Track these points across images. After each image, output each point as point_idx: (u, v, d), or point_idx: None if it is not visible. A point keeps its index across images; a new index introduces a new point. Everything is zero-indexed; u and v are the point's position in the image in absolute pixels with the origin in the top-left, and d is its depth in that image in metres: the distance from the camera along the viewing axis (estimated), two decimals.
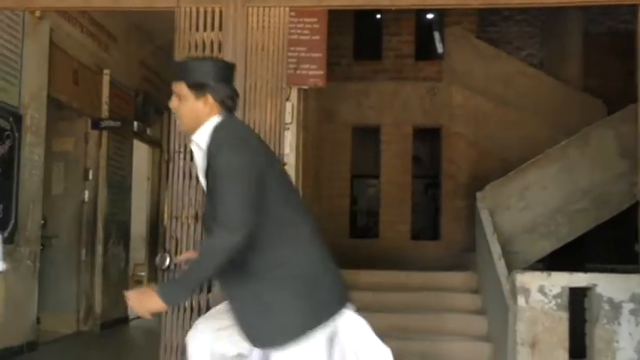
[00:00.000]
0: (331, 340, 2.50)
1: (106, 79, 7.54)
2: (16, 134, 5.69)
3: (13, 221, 5.68)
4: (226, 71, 2.56)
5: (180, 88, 2.45)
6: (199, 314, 3.31)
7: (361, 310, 6.96)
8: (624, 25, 9.45)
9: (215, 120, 2.47)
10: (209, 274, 2.39)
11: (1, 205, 5.48)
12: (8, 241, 5.62)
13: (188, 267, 2.38)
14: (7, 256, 5.60)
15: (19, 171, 5.74)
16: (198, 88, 2.43)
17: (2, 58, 5.48)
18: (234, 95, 2.52)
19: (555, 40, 9.53)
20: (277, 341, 2.40)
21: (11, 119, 5.61)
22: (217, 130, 2.45)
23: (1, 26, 5.44)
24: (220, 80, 2.48)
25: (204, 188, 2.49)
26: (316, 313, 2.45)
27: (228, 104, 2.49)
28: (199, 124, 2.46)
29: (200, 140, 2.46)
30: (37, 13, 5.85)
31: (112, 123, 7.42)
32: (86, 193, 7.33)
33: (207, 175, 2.45)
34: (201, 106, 2.45)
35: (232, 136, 2.45)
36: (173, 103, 2.51)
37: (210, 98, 2.45)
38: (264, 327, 2.40)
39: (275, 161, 2.64)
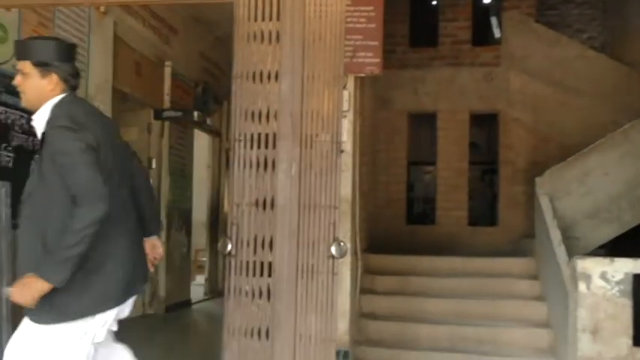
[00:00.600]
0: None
1: (167, 70, 7.71)
2: None
3: None
4: (69, 51, 2.71)
5: (25, 66, 2.60)
6: (260, 297, 3.38)
7: (419, 295, 6.97)
8: None
9: (56, 99, 2.62)
10: (80, 249, 2.47)
11: None
12: None
13: (60, 244, 2.48)
14: None
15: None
16: (43, 66, 2.59)
17: None
18: (76, 74, 2.69)
19: (617, 21, 9.23)
20: (38, 318, 2.56)
21: None
22: (55, 109, 2.60)
23: (69, 22, 5.64)
24: (64, 59, 2.64)
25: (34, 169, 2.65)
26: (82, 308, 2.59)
27: (72, 83, 2.67)
28: (43, 101, 2.62)
29: (39, 118, 2.61)
30: (102, 9, 6.03)
31: (173, 113, 7.59)
32: (150, 180, 7.52)
33: (40, 152, 2.59)
34: (46, 84, 2.61)
35: (68, 115, 2.58)
36: (17, 80, 2.64)
37: (54, 77, 2.61)
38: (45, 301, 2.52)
39: (110, 137, 2.75)
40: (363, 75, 5.47)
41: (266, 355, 3.34)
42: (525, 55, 8.71)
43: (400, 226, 8.79)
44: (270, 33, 3.41)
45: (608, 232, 6.77)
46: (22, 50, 2.65)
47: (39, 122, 2.62)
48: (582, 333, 5.07)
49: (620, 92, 8.26)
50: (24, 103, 2.68)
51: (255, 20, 3.43)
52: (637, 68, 8.65)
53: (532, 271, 6.68)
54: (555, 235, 5.79)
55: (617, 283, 5.04)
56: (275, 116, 3.37)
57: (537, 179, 6.71)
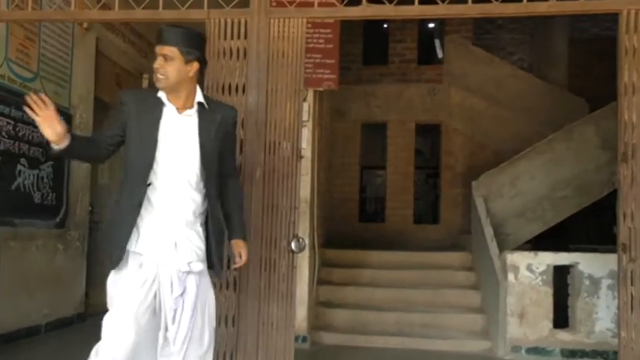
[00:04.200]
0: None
1: (145, 82, 7.58)
2: None
3: (64, 208, 5.75)
4: (205, 43, 2.70)
5: (172, 51, 2.51)
6: (227, 288, 3.34)
7: (369, 285, 6.98)
8: (606, 32, 9.37)
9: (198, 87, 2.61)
10: None
11: (53, 193, 5.55)
12: (60, 225, 5.70)
13: (240, 208, 2.79)
14: (59, 239, 5.70)
15: (69, 164, 5.80)
16: (189, 54, 2.52)
17: (55, 65, 5.54)
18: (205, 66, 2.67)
19: (544, 45, 9.45)
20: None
21: (62, 119, 5.63)
22: (211, 97, 2.68)
23: (54, 37, 5.50)
24: (203, 50, 2.62)
25: (202, 142, 2.55)
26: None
27: (202, 73, 2.65)
28: (182, 85, 2.55)
29: (195, 99, 2.59)
30: (85, 25, 5.89)
31: None
32: None
33: (214, 131, 2.58)
34: (189, 69, 2.54)
35: None
36: (158, 62, 2.52)
37: (195, 64, 2.55)
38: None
39: None
40: (321, 89, 5.48)
41: (232, 340, 3.32)
42: (464, 74, 8.85)
43: (353, 224, 8.83)
44: (238, 50, 3.39)
45: (534, 229, 6.92)
46: (172, 37, 2.54)
47: (193, 105, 2.58)
48: (511, 317, 5.17)
49: (545, 107, 8.46)
50: (161, 83, 2.55)
51: (225, 38, 3.41)
52: (559, 87, 8.89)
53: (468, 264, 6.78)
54: (488, 232, 5.89)
55: (541, 273, 5.16)
56: (242, 125, 3.35)
57: (473, 183, 6.81)
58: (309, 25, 4.04)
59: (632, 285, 3.14)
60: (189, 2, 3.47)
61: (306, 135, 5.31)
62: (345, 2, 3.58)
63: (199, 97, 2.59)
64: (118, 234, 2.47)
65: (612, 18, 3.35)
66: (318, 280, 5.97)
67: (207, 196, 2.57)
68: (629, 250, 3.15)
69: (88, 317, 6.21)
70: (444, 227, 8.70)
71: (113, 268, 2.48)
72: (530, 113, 8.52)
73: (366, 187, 11.57)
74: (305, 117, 5.19)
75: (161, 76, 2.52)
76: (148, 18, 3.55)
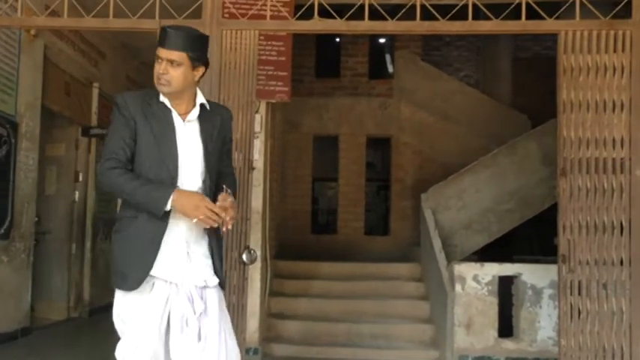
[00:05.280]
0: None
1: (95, 91, 7.41)
2: (13, 140, 5.55)
3: (9, 219, 5.53)
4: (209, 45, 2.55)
5: (180, 56, 2.31)
6: None
7: (321, 296, 6.95)
8: (546, 51, 9.72)
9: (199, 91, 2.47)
10: None
11: None
12: (4, 237, 5.48)
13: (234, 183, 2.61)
14: (3, 251, 5.48)
15: (14, 174, 5.60)
16: (198, 60, 2.37)
17: (0, 71, 5.35)
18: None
19: (489, 63, 9.72)
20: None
21: (8, 127, 5.48)
22: (208, 101, 2.51)
23: None
24: (207, 53, 2.46)
25: (205, 147, 2.42)
26: None
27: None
28: (186, 90, 2.39)
29: (196, 104, 2.44)
30: (33, 31, 5.71)
31: (100, 131, 7.27)
32: (76, 193, 7.18)
33: (216, 134, 2.46)
34: (195, 75, 2.39)
35: None
36: (163, 68, 2.31)
37: (202, 69, 2.41)
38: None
39: None
40: (273, 101, 5.47)
41: None
42: (413, 89, 8.99)
43: (306, 235, 8.81)
44: None
45: (480, 241, 7.06)
46: (180, 41, 2.30)
47: (195, 108, 2.42)
48: (458, 327, 5.24)
49: (490, 122, 8.68)
50: (166, 89, 2.34)
51: None
52: (504, 102, 9.14)
53: (418, 275, 6.85)
54: (437, 244, 5.97)
55: (486, 284, 5.25)
56: None
57: (422, 195, 6.90)
58: (262, 38, 4.02)
59: (571, 295, 3.23)
60: (140, 12, 3.40)
61: (259, 146, 5.28)
62: (297, 16, 3.59)
63: (201, 99, 2.45)
64: (137, 255, 2.29)
65: (552, 38, 3.47)
66: (270, 292, 5.92)
67: None
68: (569, 261, 3.24)
69: (34, 331, 6.00)
70: (393, 239, 8.77)
71: (128, 289, 2.30)
72: (476, 128, 8.72)
73: (318, 199, 11.58)
74: (257, 128, 5.16)
75: (165, 82, 2.33)
76: (97, 26, 3.47)
